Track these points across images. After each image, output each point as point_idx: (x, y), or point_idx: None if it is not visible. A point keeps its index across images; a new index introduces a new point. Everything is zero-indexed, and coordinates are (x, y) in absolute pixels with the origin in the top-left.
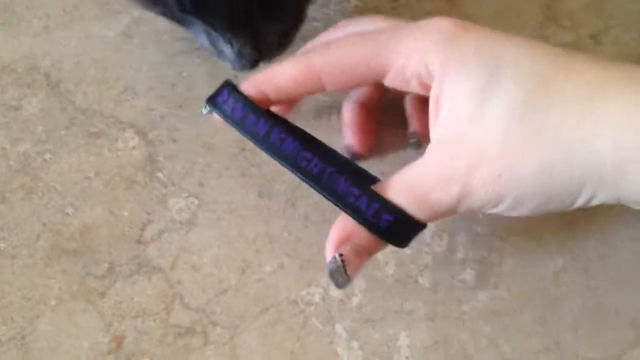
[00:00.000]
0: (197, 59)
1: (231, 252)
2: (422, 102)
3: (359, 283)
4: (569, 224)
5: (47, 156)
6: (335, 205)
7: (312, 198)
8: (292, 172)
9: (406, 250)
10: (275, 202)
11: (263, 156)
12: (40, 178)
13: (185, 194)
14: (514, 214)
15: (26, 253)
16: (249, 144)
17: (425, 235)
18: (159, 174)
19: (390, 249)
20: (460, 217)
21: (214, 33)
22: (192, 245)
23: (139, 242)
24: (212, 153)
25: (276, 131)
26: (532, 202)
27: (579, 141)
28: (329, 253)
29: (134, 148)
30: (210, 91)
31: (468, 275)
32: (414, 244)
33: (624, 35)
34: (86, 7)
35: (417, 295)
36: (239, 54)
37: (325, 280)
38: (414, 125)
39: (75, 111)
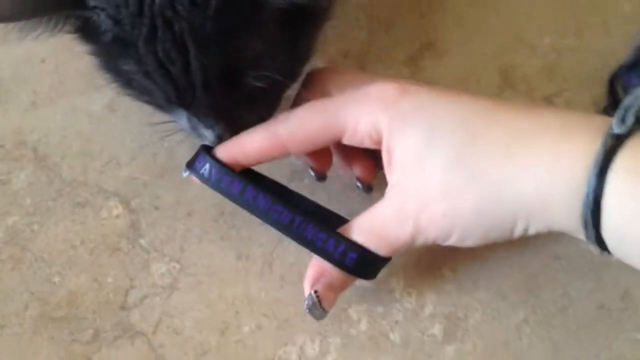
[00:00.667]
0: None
1: (211, 314)
2: (355, 152)
3: (334, 340)
4: (530, 278)
5: (35, 227)
6: (307, 249)
7: (288, 259)
8: (267, 223)
9: (378, 307)
10: (253, 264)
11: (241, 218)
12: (28, 249)
13: (167, 259)
14: (464, 245)
15: (15, 322)
16: (228, 208)
17: (395, 292)
18: (142, 241)
19: (363, 306)
20: (428, 275)
21: (195, 119)
22: (173, 309)
23: (122, 307)
24: (193, 218)
25: (249, 189)
26: (475, 234)
27: (505, 182)
28: (306, 290)
29: (117, 216)
30: (189, 159)
31: (436, 330)
32: (385, 301)
33: (576, 97)
34: (72, 83)
35: (389, 351)
36: (219, 138)
37: (301, 339)
38: (356, 172)
39: (61, 183)
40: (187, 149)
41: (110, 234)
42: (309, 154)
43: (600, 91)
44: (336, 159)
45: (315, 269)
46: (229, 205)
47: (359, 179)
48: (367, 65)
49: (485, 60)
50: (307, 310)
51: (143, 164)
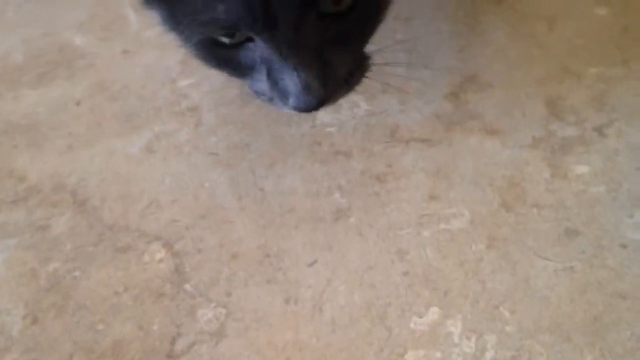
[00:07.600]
0: (218, 169)
1: None
2: None
3: None
4: (594, 319)
5: (77, 274)
6: None
7: (338, 302)
8: None
9: (436, 352)
10: (302, 307)
11: (287, 260)
12: (70, 296)
13: (213, 304)
14: None
15: None
16: (274, 250)
17: (453, 335)
18: (186, 285)
19: (420, 352)
20: (486, 315)
21: (278, 65)
22: (222, 357)
23: (169, 356)
24: (237, 261)
25: None
26: None
27: None
28: None
29: (160, 260)
30: (230, 199)
31: None
32: (443, 345)
33: (627, 127)
34: (108, 125)
35: None
36: (306, 87)
37: None
38: None
39: (102, 227)
40: (227, 190)
41: (153, 279)
42: None
43: None
44: None
45: None
46: (275, 247)
47: None
48: (407, 100)
49: (530, 91)
50: None
51: (184, 206)
